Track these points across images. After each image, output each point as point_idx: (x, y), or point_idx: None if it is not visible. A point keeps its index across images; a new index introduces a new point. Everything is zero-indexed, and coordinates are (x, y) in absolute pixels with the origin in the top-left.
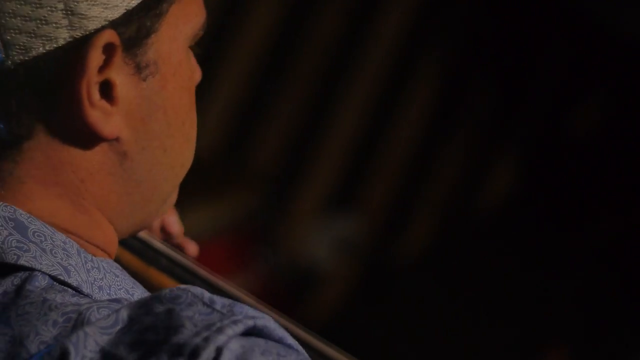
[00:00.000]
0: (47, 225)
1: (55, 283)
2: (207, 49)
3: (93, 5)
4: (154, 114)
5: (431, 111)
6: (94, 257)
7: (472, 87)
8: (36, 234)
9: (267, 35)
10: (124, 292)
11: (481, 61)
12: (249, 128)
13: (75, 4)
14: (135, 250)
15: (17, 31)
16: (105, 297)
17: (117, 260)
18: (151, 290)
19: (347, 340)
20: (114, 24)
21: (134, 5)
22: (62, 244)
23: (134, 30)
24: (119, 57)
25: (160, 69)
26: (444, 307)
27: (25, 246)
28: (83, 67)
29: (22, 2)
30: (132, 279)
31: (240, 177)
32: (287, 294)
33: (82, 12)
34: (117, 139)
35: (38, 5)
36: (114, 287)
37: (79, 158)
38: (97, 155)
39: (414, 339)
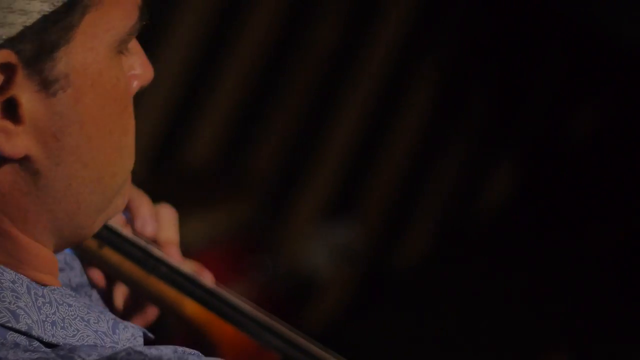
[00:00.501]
0: None
1: (6, 338)
2: (201, 59)
3: None
4: (67, 129)
5: (429, 118)
6: (45, 289)
7: (469, 94)
8: None
9: (262, 44)
10: (79, 320)
11: (478, 68)
12: (246, 136)
13: None
14: (136, 259)
15: None
16: (59, 332)
17: (118, 269)
18: (150, 299)
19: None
20: (11, 42)
21: (32, 22)
22: (10, 284)
23: (36, 46)
24: (20, 75)
25: (74, 82)
26: (442, 313)
27: None
28: None
29: None
30: (87, 303)
31: (238, 186)
32: (286, 301)
33: None
34: (27, 158)
35: None
36: (67, 318)
37: None
38: (8, 175)
39: (412, 346)
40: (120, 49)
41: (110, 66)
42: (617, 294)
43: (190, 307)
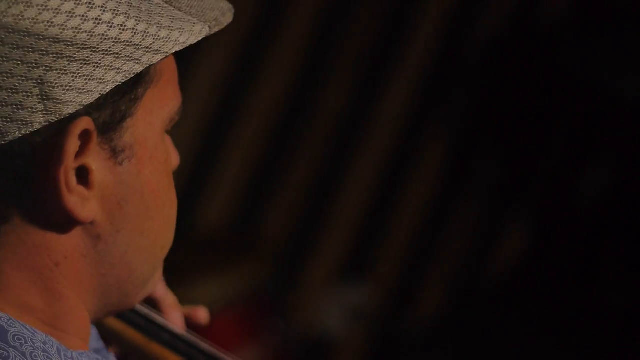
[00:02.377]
0: (27, 326)
1: None
2: (213, 126)
3: (68, 90)
4: (130, 198)
5: (440, 179)
6: (73, 352)
7: (481, 154)
8: (16, 337)
9: (274, 106)
10: None
11: (489, 129)
12: (258, 199)
13: (51, 89)
14: (137, 325)
15: None
16: None
17: (120, 336)
18: None
19: None
20: (88, 109)
21: (108, 90)
22: (42, 345)
23: (109, 114)
24: (94, 143)
25: (137, 152)
26: None
27: (5, 352)
28: (60, 154)
29: None
30: None
31: (251, 248)
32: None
33: (57, 97)
34: (92, 222)
35: (14, 91)
36: None
37: (54, 241)
38: (72, 238)
39: None
40: (168, 127)
41: (162, 142)
42: (631, 350)
43: None
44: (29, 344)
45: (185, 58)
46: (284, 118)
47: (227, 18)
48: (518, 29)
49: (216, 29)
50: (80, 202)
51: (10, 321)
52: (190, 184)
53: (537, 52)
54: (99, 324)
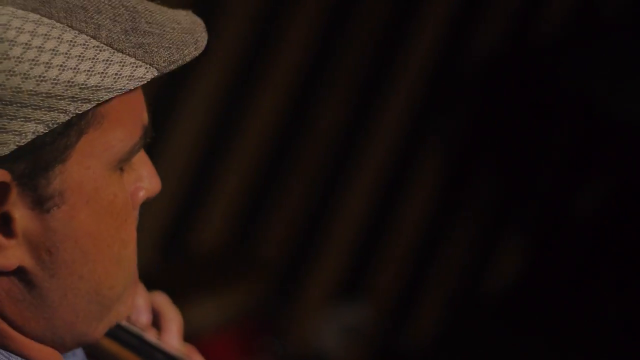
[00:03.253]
0: (1, 351)
1: None
2: (209, 145)
3: None
4: (61, 244)
5: (437, 195)
6: None
7: (477, 170)
8: None
9: (270, 124)
10: None
11: (486, 142)
12: (255, 218)
13: None
14: (131, 346)
15: None
16: None
17: (115, 357)
18: None
19: None
20: (5, 161)
21: (26, 142)
22: None
23: (30, 165)
24: (14, 193)
25: (68, 199)
26: None
27: None
28: None
29: None
30: None
31: (248, 268)
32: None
33: None
34: (21, 269)
35: None
36: None
37: None
38: (3, 283)
39: None
40: (120, 166)
41: (107, 183)
42: None
43: None
44: None
45: (180, 77)
46: (280, 137)
47: (190, 52)
48: (515, 43)
49: (172, 67)
50: None
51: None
52: (186, 203)
53: (534, 66)
54: (94, 346)
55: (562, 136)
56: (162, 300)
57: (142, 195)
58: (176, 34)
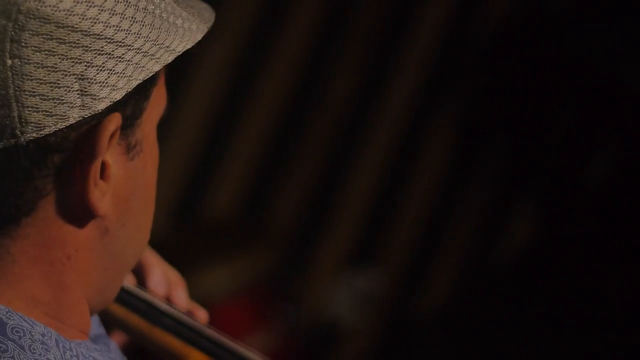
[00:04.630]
0: (26, 318)
1: None
2: (222, 111)
3: (104, 86)
4: (136, 192)
5: (447, 165)
6: (72, 342)
7: (488, 138)
8: (15, 329)
9: (283, 94)
10: None
11: (497, 111)
12: (267, 185)
13: (90, 85)
14: (140, 312)
15: (34, 109)
16: None
17: (123, 321)
18: (156, 351)
19: None
20: (117, 105)
21: (133, 87)
22: (40, 337)
23: (130, 112)
24: (115, 138)
25: (144, 148)
26: (466, 358)
27: (4, 345)
28: (94, 149)
29: (41, 81)
30: (112, 356)
31: (261, 234)
32: (309, 350)
33: (95, 93)
34: (104, 217)
35: (56, 85)
36: None
37: (70, 235)
38: (85, 232)
39: None
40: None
41: (156, 138)
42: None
43: (197, 358)
44: (28, 337)
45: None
46: (292, 105)
47: (212, 16)
48: (525, 14)
49: (208, 26)
50: (100, 196)
51: (10, 313)
52: (199, 172)
53: (544, 36)
54: (102, 311)
55: (572, 104)
56: (175, 277)
57: None
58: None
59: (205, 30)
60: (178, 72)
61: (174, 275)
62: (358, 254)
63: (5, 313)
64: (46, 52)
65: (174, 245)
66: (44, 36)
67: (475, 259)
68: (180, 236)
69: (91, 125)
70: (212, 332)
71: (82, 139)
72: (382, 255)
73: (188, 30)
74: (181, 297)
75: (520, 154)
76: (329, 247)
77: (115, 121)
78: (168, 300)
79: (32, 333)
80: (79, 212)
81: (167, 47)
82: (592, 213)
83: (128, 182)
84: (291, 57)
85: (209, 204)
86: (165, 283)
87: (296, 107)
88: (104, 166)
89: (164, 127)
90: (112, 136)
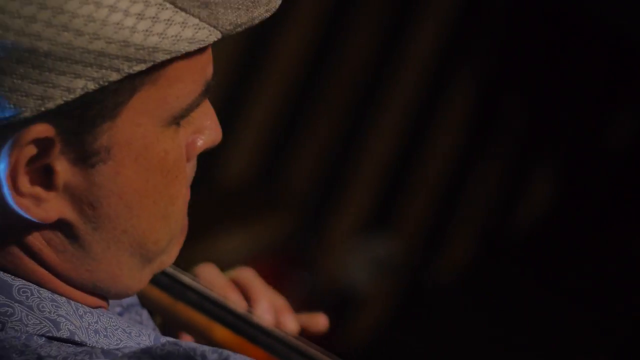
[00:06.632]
0: (32, 281)
1: (52, 342)
2: (238, 78)
3: (25, 96)
4: (105, 199)
5: (466, 129)
6: (85, 308)
7: (507, 103)
8: (21, 290)
9: (299, 59)
10: (120, 331)
11: (516, 73)
12: (284, 152)
13: (5, 93)
14: (164, 286)
15: None
16: (102, 340)
17: (146, 296)
18: (179, 325)
19: None
20: (50, 115)
21: (73, 98)
22: (50, 295)
23: (76, 121)
24: (57, 147)
25: (115, 155)
26: (483, 326)
27: (10, 309)
28: (6, 158)
29: None
30: (127, 319)
31: (277, 201)
32: (325, 316)
33: (12, 103)
34: (63, 221)
35: None
36: (110, 328)
37: (24, 235)
38: (43, 234)
39: (453, 358)
40: (176, 121)
41: (159, 140)
42: None
43: (220, 333)
44: (36, 296)
45: None
46: (308, 70)
47: (260, 14)
48: None
49: (239, 30)
50: (33, 203)
51: (15, 276)
52: None
53: None
54: None
55: (592, 63)
56: (248, 276)
57: (200, 145)
58: None
59: (215, 36)
60: None
61: (279, 301)
62: (374, 220)
63: (10, 275)
64: None
65: (189, 212)
66: None
67: (494, 224)
68: (195, 204)
69: (11, 134)
70: (236, 307)
71: (2, 147)
72: (398, 221)
73: (171, 38)
74: (290, 323)
75: (540, 116)
76: (345, 213)
77: (35, 132)
78: (278, 326)
79: (41, 292)
80: (17, 218)
81: (127, 57)
82: (613, 175)
83: (91, 188)
84: (306, 22)
85: (224, 172)
86: (272, 310)
87: (311, 74)
88: (50, 173)
89: None
90: (50, 144)
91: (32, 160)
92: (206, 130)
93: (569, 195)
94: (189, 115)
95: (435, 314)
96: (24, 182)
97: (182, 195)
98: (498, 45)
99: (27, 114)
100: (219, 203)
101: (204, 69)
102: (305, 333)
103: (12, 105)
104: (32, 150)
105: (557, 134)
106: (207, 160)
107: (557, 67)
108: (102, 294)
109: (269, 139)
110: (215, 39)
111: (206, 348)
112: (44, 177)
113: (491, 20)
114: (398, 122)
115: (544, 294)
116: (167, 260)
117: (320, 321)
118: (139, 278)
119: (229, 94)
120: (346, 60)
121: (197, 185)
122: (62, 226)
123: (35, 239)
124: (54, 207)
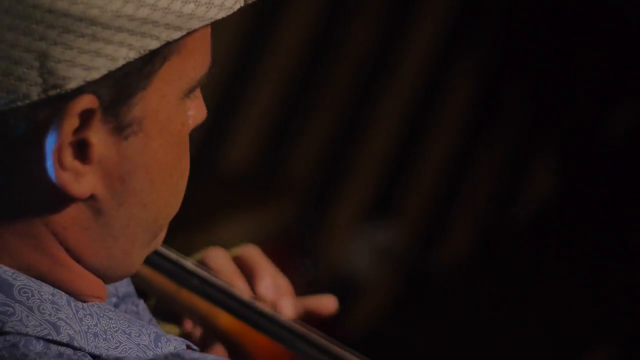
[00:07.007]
0: (32, 279)
1: (50, 348)
2: (239, 63)
3: (72, 66)
4: (134, 172)
5: (468, 117)
6: (84, 303)
7: (509, 92)
8: (22, 290)
9: (300, 44)
10: (120, 333)
11: (517, 62)
12: (285, 139)
13: (53, 63)
14: (167, 272)
15: None
16: (102, 344)
17: (150, 283)
18: (183, 312)
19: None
20: (93, 85)
21: (117, 67)
22: (50, 297)
23: (116, 91)
24: (97, 119)
25: (145, 127)
26: (484, 314)
27: (11, 309)
28: (55, 131)
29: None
30: (128, 317)
31: (278, 188)
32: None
33: (59, 73)
34: (92, 197)
35: (15, 62)
36: (109, 330)
37: (51, 212)
38: (71, 210)
39: (454, 348)
40: (188, 94)
41: (177, 112)
42: None
43: (224, 319)
44: (36, 297)
45: None
46: (310, 56)
47: None
48: None
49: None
50: (73, 178)
51: (16, 274)
52: (215, 124)
53: None
54: None
55: (595, 53)
56: (253, 253)
57: (190, 123)
58: None
59: (240, 3)
60: None
61: (283, 282)
62: (377, 207)
63: (11, 274)
64: (5, 28)
65: (190, 198)
66: (2, 12)
67: (496, 212)
68: (197, 190)
69: (57, 106)
70: (239, 293)
71: (45, 119)
72: (400, 209)
73: (204, 6)
74: (288, 305)
75: (542, 105)
76: (347, 200)
77: (82, 103)
78: (275, 307)
79: (41, 293)
80: (53, 193)
81: (168, 25)
82: (615, 165)
83: (122, 162)
84: (309, 8)
85: (226, 157)
86: (274, 289)
87: (313, 60)
88: (86, 145)
89: None
90: (90, 117)
91: (74, 133)
92: (195, 108)
93: (571, 186)
94: (196, 90)
95: (437, 302)
96: (67, 156)
97: (188, 170)
98: (500, 33)
99: (73, 85)
100: (220, 190)
101: (210, 41)
102: (314, 315)
103: (60, 76)
104: (76, 123)
105: (558, 124)
106: (209, 147)
107: (559, 57)
108: (106, 277)
109: (270, 126)
110: (239, 6)
111: (210, 357)
112: (79, 151)
113: (494, 9)
114: (400, 110)
115: (546, 282)
116: (160, 238)
117: (330, 303)
118: (142, 256)
119: (231, 80)
120: (348, 47)
121: (199, 172)
122: (90, 202)
123: (61, 217)
124: (89, 181)
